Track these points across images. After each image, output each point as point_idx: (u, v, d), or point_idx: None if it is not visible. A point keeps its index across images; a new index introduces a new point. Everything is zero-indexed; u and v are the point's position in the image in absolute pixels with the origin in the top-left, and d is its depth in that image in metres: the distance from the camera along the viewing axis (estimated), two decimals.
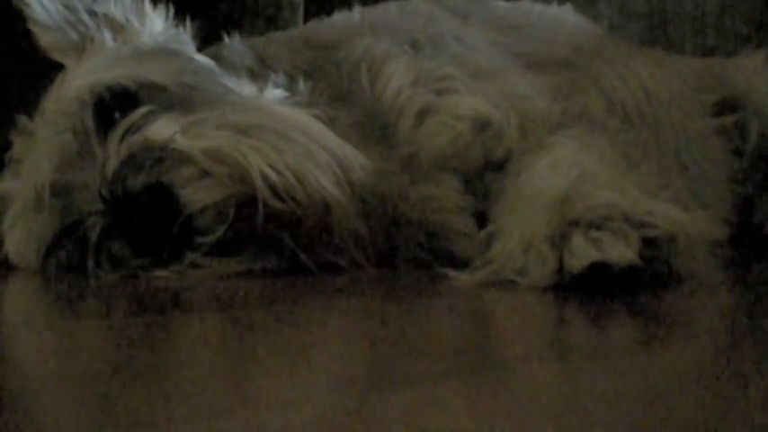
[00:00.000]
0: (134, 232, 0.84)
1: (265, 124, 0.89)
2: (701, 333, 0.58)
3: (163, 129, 0.86)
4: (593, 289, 0.71)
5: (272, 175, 0.85)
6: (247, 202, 0.86)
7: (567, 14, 1.30)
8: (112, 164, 0.84)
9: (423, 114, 0.99)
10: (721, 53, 1.59)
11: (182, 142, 0.84)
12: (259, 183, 0.84)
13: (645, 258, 0.71)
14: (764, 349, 0.50)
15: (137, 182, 0.83)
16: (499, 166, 0.96)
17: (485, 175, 0.98)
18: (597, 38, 1.30)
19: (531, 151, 0.92)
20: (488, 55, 1.05)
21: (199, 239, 0.85)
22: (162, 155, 0.84)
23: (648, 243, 0.72)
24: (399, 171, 0.96)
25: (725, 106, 1.30)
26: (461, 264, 0.81)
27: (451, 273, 0.79)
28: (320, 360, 0.46)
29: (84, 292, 0.82)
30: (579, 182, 0.79)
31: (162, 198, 0.83)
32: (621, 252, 0.70)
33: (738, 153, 1.29)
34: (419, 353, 0.47)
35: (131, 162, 0.84)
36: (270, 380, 0.42)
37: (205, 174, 0.84)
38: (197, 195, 0.84)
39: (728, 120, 1.29)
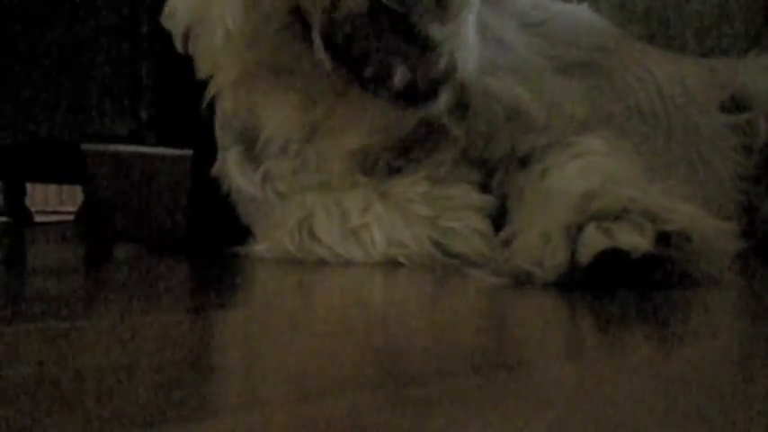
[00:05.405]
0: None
1: None
2: (715, 332, 0.58)
3: None
4: (608, 282, 0.70)
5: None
6: None
7: (584, 12, 1.31)
8: None
9: None
10: (721, 53, 1.59)
11: None
12: None
13: (659, 254, 0.70)
14: None
15: None
16: (520, 163, 0.96)
17: (505, 170, 0.97)
18: (614, 37, 1.31)
19: (554, 150, 0.92)
20: (524, 55, 1.05)
21: None
22: None
23: (663, 237, 0.71)
24: None
25: (733, 105, 1.31)
26: (474, 263, 0.81)
27: (473, 271, 0.78)
28: (332, 358, 0.46)
29: (137, 284, 0.82)
30: (604, 182, 0.78)
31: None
32: (634, 240, 0.69)
33: (747, 150, 1.30)
34: (432, 351, 0.47)
35: None
36: (299, 373, 0.42)
37: None
38: None
39: (740, 118, 1.29)
